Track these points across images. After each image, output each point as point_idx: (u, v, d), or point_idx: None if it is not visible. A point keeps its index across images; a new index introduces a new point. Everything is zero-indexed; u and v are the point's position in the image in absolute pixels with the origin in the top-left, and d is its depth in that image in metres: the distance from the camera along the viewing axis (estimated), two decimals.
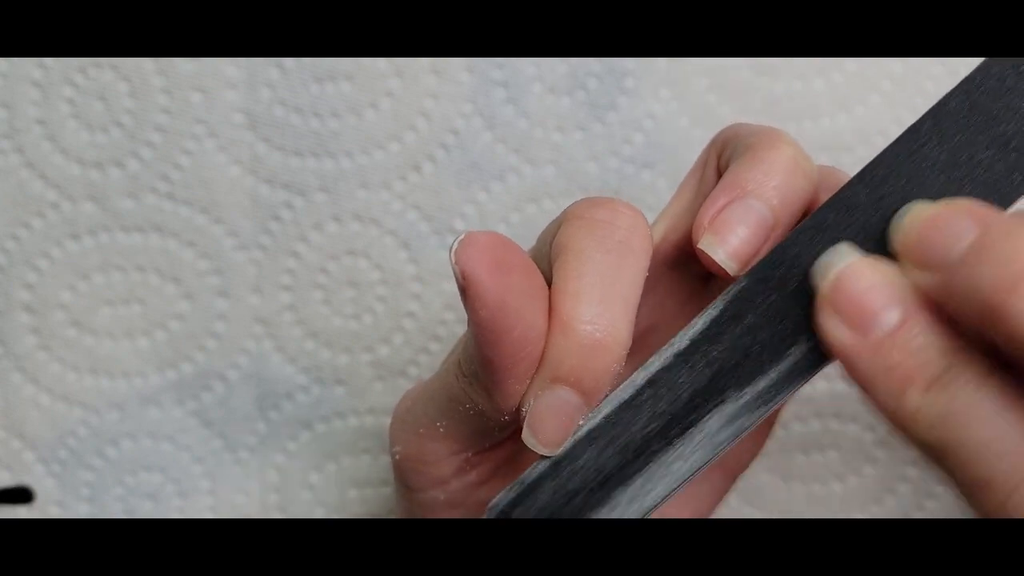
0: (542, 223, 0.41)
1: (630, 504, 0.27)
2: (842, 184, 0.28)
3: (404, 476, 0.32)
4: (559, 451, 0.27)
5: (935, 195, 0.26)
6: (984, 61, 0.26)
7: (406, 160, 0.41)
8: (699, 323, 0.27)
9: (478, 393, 0.28)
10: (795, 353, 0.26)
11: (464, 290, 0.26)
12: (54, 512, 0.42)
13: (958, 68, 0.42)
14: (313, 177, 0.41)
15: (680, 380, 0.27)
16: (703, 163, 0.32)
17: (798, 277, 0.26)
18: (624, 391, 0.27)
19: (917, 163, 0.26)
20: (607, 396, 0.27)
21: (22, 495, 0.42)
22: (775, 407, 0.27)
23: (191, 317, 0.42)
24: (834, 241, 0.26)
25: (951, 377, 0.24)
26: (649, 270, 0.31)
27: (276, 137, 0.41)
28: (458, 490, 0.31)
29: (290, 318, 0.42)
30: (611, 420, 0.27)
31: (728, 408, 0.27)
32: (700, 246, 0.28)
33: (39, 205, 0.41)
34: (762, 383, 0.26)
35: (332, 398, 0.42)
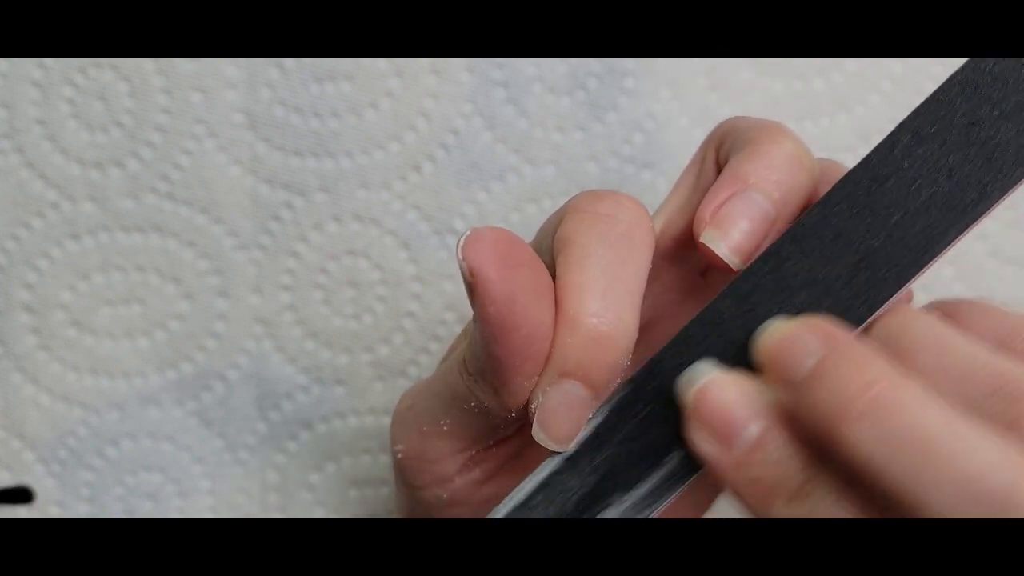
0: (542, 223, 0.41)
1: None
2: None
3: (407, 475, 0.32)
4: (570, 447, 0.27)
5: (797, 310, 0.27)
6: (838, 181, 0.27)
7: (406, 160, 0.41)
8: (586, 430, 0.28)
9: (484, 391, 0.28)
10: (671, 461, 0.27)
11: (472, 287, 0.26)
12: (54, 512, 0.42)
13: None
14: (313, 177, 0.41)
15: (570, 484, 0.28)
16: (701, 157, 0.32)
17: (669, 389, 0.27)
18: (518, 494, 0.28)
19: (780, 279, 0.27)
20: (513, 490, 0.28)
21: (22, 495, 0.42)
22: (659, 508, 0.27)
23: (191, 317, 0.42)
24: (701, 355, 0.27)
25: (810, 488, 0.24)
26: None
27: (276, 137, 0.41)
28: (461, 488, 0.31)
29: (290, 318, 0.42)
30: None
31: (611, 513, 0.27)
32: (702, 240, 0.28)
33: (39, 205, 0.41)
34: (642, 489, 0.27)
35: (332, 398, 0.42)
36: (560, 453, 0.28)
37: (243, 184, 0.41)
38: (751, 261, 0.28)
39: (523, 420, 0.28)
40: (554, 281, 0.27)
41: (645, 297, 0.31)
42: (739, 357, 0.27)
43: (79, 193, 0.41)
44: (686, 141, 0.41)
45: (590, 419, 0.28)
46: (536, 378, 0.27)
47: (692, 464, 0.27)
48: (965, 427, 0.22)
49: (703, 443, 0.26)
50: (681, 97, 0.41)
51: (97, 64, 0.40)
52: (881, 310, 0.27)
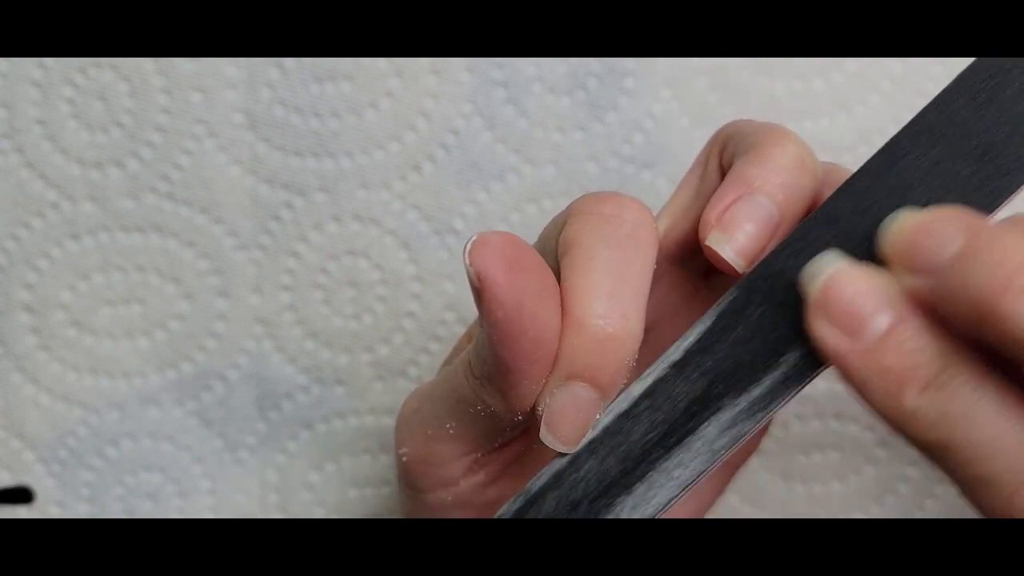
0: (542, 223, 0.41)
1: (633, 511, 0.27)
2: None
3: (411, 478, 0.32)
4: (577, 448, 0.27)
5: (917, 205, 0.26)
6: (957, 76, 0.27)
7: (406, 160, 0.41)
8: (692, 335, 0.28)
9: (491, 394, 0.28)
10: (788, 360, 0.27)
11: (479, 292, 0.26)
12: (54, 512, 0.42)
13: (958, 68, 0.41)
14: (313, 177, 0.41)
15: (676, 390, 0.27)
16: (705, 159, 0.32)
17: (786, 288, 0.27)
18: (622, 402, 0.28)
19: (898, 175, 0.27)
20: (612, 400, 0.28)
21: (22, 495, 0.42)
22: (772, 413, 0.27)
23: (191, 317, 0.42)
24: (820, 251, 0.26)
25: (948, 377, 0.24)
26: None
27: (276, 137, 0.41)
28: (467, 491, 0.31)
29: (290, 318, 0.42)
30: (610, 431, 0.27)
31: (725, 416, 0.27)
32: (708, 243, 0.28)
33: (39, 205, 0.41)
34: (756, 391, 0.27)
35: (332, 398, 0.42)
36: (569, 453, 0.27)
37: (243, 184, 0.41)
38: (868, 159, 0.27)
39: (529, 423, 0.28)
40: (559, 284, 0.27)
41: (648, 299, 0.31)
42: (860, 253, 0.26)
43: (79, 193, 0.41)
44: (686, 141, 0.41)
45: (697, 324, 0.27)
46: (543, 381, 0.27)
47: (812, 362, 0.26)
48: None
49: (828, 335, 0.25)
50: (681, 97, 0.41)
51: (97, 64, 0.40)
52: (1006, 202, 0.26)
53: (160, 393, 0.42)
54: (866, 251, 0.26)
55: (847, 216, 0.27)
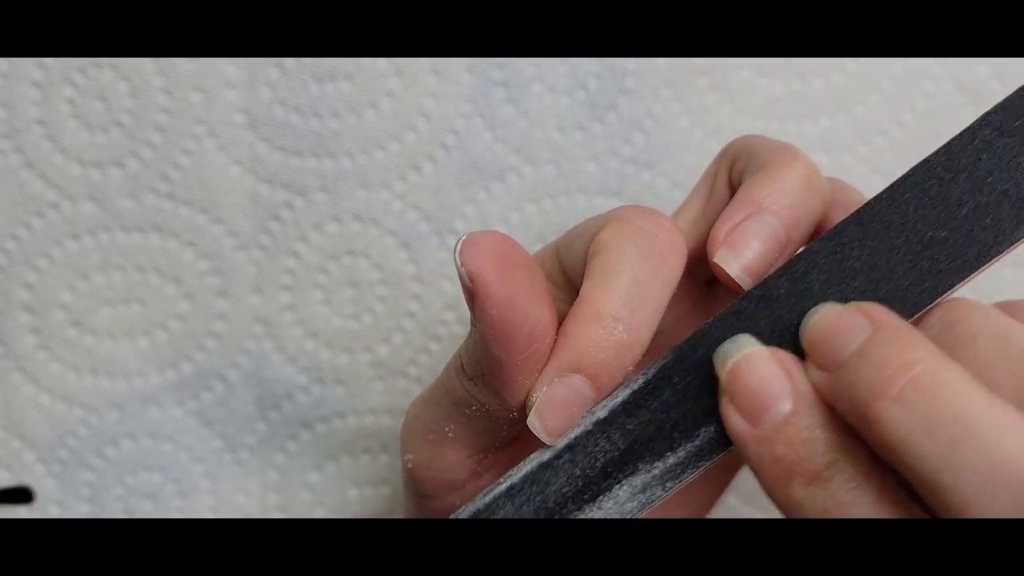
0: (542, 223, 0.41)
1: None
2: (851, 199, 0.29)
3: (418, 484, 0.32)
4: (560, 442, 0.28)
5: (852, 295, 0.27)
6: (911, 168, 0.27)
7: (406, 160, 0.41)
8: (620, 395, 0.28)
9: (485, 393, 0.28)
10: (704, 434, 0.27)
11: (471, 291, 0.26)
12: (54, 512, 0.42)
13: (958, 68, 0.42)
14: (313, 177, 0.41)
15: (597, 448, 0.28)
16: (713, 173, 0.33)
17: (711, 362, 0.27)
18: (545, 452, 0.28)
19: (838, 262, 0.27)
20: (528, 457, 0.28)
21: (22, 495, 0.42)
22: (683, 484, 0.27)
23: (191, 317, 0.42)
24: (749, 330, 0.27)
25: (831, 473, 0.25)
26: None
27: (276, 137, 0.41)
28: (473, 493, 0.31)
29: (290, 318, 0.42)
30: (529, 479, 0.28)
31: (639, 480, 0.28)
32: (716, 260, 0.28)
33: (39, 205, 0.41)
34: (671, 459, 0.27)
35: (332, 398, 0.42)
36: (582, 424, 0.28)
37: (243, 184, 0.41)
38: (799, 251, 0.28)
39: (525, 421, 0.29)
40: (583, 281, 0.28)
41: None
42: (787, 337, 0.27)
43: (79, 193, 0.41)
44: (686, 141, 0.41)
45: (626, 386, 0.28)
46: (534, 376, 0.27)
47: (724, 440, 0.27)
48: (1003, 413, 0.22)
49: (732, 417, 0.26)
50: (681, 97, 0.41)
51: (97, 64, 0.40)
52: (938, 301, 0.26)
53: (160, 393, 0.42)
54: (793, 336, 0.27)
55: (783, 298, 0.27)
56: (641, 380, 0.28)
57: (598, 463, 0.28)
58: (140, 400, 0.42)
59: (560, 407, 0.27)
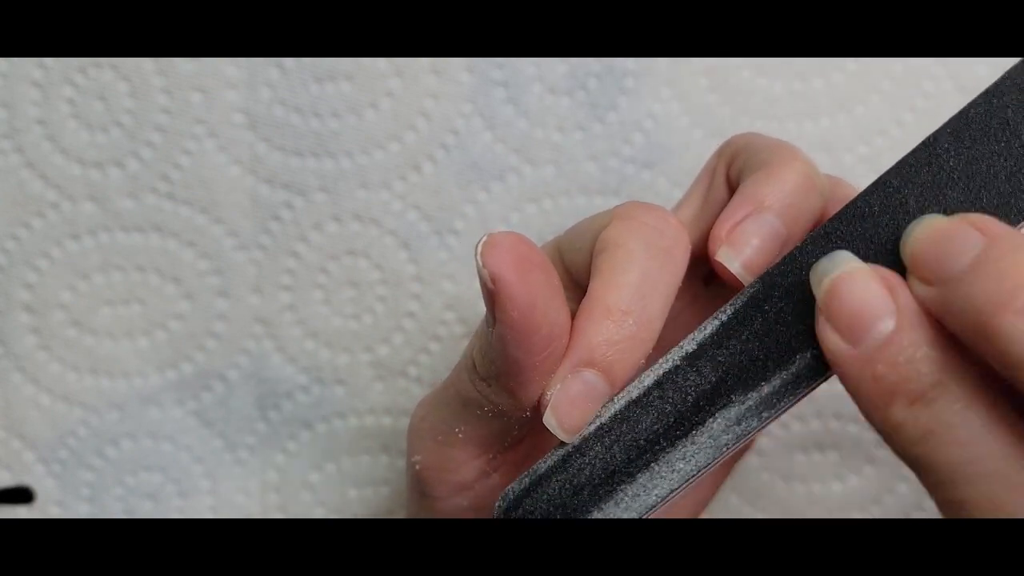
0: (542, 223, 0.41)
1: (634, 500, 0.27)
2: (848, 197, 0.28)
3: (426, 486, 0.32)
4: (576, 439, 0.28)
5: (950, 207, 0.25)
6: (1007, 71, 0.26)
7: (406, 160, 0.41)
8: (708, 327, 0.28)
9: (498, 394, 0.28)
10: (800, 361, 0.27)
11: (492, 293, 0.26)
12: (54, 512, 0.42)
13: (958, 68, 0.42)
14: (313, 177, 0.41)
15: (687, 382, 0.28)
16: (711, 171, 0.33)
17: (805, 284, 0.26)
18: (633, 390, 0.28)
19: (933, 173, 0.26)
20: (618, 393, 0.28)
21: (22, 495, 0.42)
22: (779, 413, 0.27)
23: (191, 317, 0.42)
24: (843, 249, 0.26)
25: (937, 393, 0.24)
26: None
27: (276, 137, 0.41)
28: (482, 494, 0.31)
29: (290, 318, 0.42)
30: (619, 418, 0.28)
31: (733, 412, 0.27)
32: (718, 257, 0.29)
33: (39, 205, 0.41)
34: (766, 389, 0.27)
35: (332, 398, 0.42)
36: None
37: (243, 184, 0.41)
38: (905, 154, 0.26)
39: (537, 419, 0.28)
40: (590, 278, 0.28)
41: None
42: (884, 255, 0.26)
43: (79, 193, 0.41)
44: (686, 141, 0.41)
45: (715, 317, 0.27)
46: (548, 376, 0.27)
47: (821, 364, 0.26)
48: None
49: (829, 337, 0.25)
50: (681, 97, 0.41)
51: (97, 64, 0.40)
52: None
53: (160, 393, 0.42)
54: (889, 253, 0.25)
55: (875, 215, 0.26)
56: (730, 310, 0.27)
57: (689, 397, 0.27)
58: (140, 400, 0.42)
59: (575, 403, 0.27)
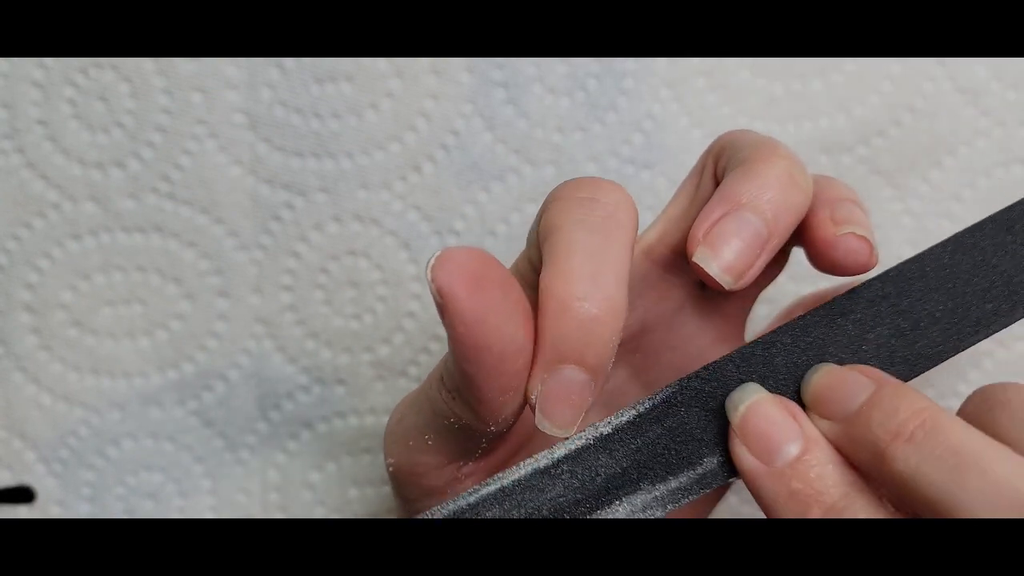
0: None
1: None
2: (835, 195, 0.29)
3: (399, 488, 0.32)
4: (574, 431, 0.27)
5: (842, 360, 0.29)
6: (904, 261, 0.29)
7: (406, 160, 0.41)
8: (625, 415, 0.28)
9: (461, 407, 0.28)
10: (707, 463, 0.28)
11: (441, 307, 0.26)
12: (55, 512, 0.42)
13: (957, 68, 0.42)
14: (313, 177, 0.41)
15: (598, 462, 0.28)
16: (700, 168, 0.32)
17: (721, 397, 0.28)
18: (541, 459, 0.28)
19: (833, 330, 0.29)
20: (523, 462, 0.28)
21: (23, 495, 0.42)
22: (678, 507, 0.28)
23: (192, 317, 0.42)
24: (755, 374, 0.28)
25: (845, 504, 0.26)
26: (644, 273, 0.31)
27: (276, 137, 0.41)
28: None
29: (291, 318, 0.42)
30: (523, 484, 0.28)
31: (639, 499, 0.28)
32: (694, 259, 0.28)
33: (40, 205, 0.41)
34: (673, 484, 0.28)
35: (332, 398, 0.42)
36: (589, 429, 0.28)
37: (243, 184, 0.41)
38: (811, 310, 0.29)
39: (504, 434, 0.29)
40: (541, 270, 0.27)
41: (641, 304, 0.31)
42: (789, 386, 0.28)
43: (80, 193, 0.41)
44: (686, 141, 0.41)
45: (632, 407, 0.28)
46: (510, 394, 0.27)
47: (727, 471, 0.28)
48: (998, 446, 0.25)
49: (743, 456, 0.27)
50: (681, 97, 0.41)
51: (98, 64, 0.40)
52: (921, 373, 0.29)
53: (161, 393, 0.42)
54: (795, 387, 0.29)
55: (786, 350, 0.29)
56: (648, 404, 0.28)
57: (599, 477, 0.28)
58: (141, 400, 0.42)
59: (561, 401, 0.27)
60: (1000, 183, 0.42)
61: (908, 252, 0.42)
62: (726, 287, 0.28)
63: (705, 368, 0.28)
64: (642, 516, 0.28)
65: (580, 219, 0.27)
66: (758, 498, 0.27)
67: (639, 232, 0.30)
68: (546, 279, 0.27)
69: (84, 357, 0.42)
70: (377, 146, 0.41)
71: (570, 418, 0.27)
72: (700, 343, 0.33)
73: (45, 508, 0.42)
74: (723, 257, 0.28)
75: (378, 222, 0.41)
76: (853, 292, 0.29)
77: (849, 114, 0.41)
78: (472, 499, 0.28)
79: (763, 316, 0.41)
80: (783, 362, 0.28)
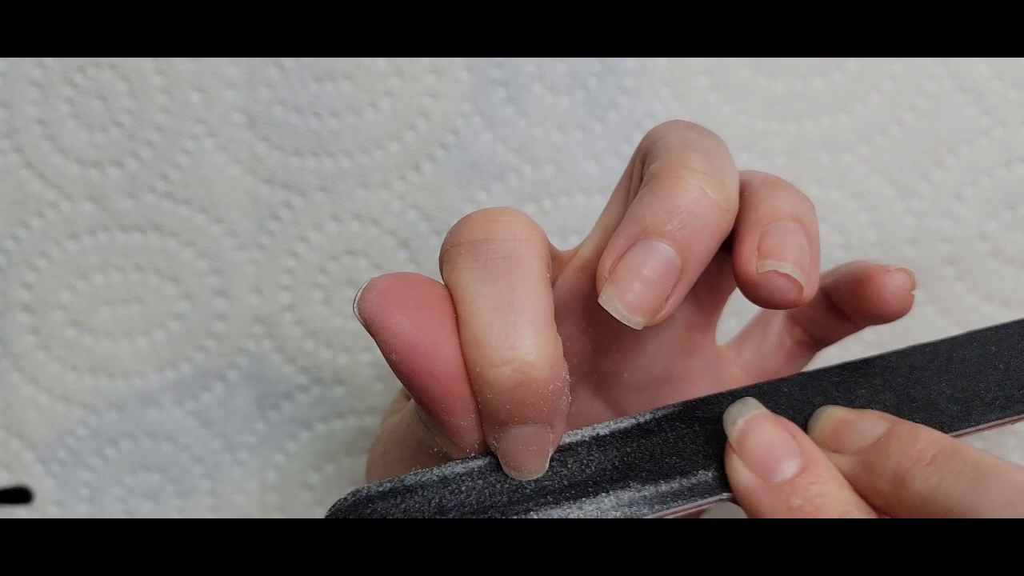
0: (542, 223, 0.41)
1: None
2: (766, 213, 0.27)
3: None
4: (546, 468, 0.27)
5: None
6: (897, 351, 0.30)
7: (406, 160, 0.41)
8: (624, 423, 0.28)
9: (437, 436, 0.27)
10: (701, 475, 0.28)
11: (372, 337, 0.25)
12: (53, 512, 0.42)
13: (958, 68, 0.42)
14: (312, 177, 0.41)
15: (590, 457, 0.28)
16: (630, 172, 0.29)
17: (718, 420, 0.29)
18: None
19: (840, 392, 0.30)
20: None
21: (21, 495, 0.42)
22: (669, 513, 0.28)
23: (190, 317, 0.42)
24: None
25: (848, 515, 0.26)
26: (586, 291, 0.29)
27: (275, 137, 0.41)
28: None
29: (290, 318, 0.42)
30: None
31: (627, 495, 0.27)
32: (600, 301, 0.25)
33: (38, 205, 0.41)
34: (664, 487, 0.28)
35: (332, 398, 0.42)
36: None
37: (242, 184, 0.41)
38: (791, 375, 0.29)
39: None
40: None
41: (585, 328, 0.30)
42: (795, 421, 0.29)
43: (78, 193, 0.41)
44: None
45: (633, 417, 0.28)
46: (469, 415, 0.26)
47: (719, 486, 0.28)
48: (1013, 464, 0.26)
49: (739, 473, 0.27)
50: (681, 97, 0.41)
51: (96, 64, 0.40)
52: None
53: (160, 393, 0.42)
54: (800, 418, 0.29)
55: (790, 395, 0.29)
56: (648, 416, 0.28)
57: (588, 469, 0.27)
58: (139, 400, 0.42)
59: (519, 455, 0.26)
60: (1002, 182, 0.42)
61: (910, 252, 0.42)
62: (637, 327, 0.25)
63: (713, 395, 0.29)
64: (627, 511, 0.27)
65: (477, 268, 0.25)
66: (755, 515, 0.27)
67: (581, 241, 0.30)
68: (463, 347, 0.25)
69: (82, 357, 0.42)
70: (376, 145, 0.41)
71: (537, 465, 0.27)
72: (663, 359, 0.31)
73: (43, 508, 0.42)
74: (627, 299, 0.25)
75: (377, 222, 0.41)
76: (859, 365, 0.30)
77: (851, 113, 0.41)
78: (445, 472, 0.27)
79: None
80: (787, 404, 0.29)
